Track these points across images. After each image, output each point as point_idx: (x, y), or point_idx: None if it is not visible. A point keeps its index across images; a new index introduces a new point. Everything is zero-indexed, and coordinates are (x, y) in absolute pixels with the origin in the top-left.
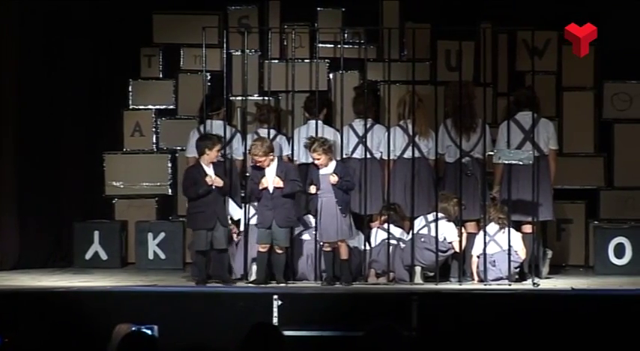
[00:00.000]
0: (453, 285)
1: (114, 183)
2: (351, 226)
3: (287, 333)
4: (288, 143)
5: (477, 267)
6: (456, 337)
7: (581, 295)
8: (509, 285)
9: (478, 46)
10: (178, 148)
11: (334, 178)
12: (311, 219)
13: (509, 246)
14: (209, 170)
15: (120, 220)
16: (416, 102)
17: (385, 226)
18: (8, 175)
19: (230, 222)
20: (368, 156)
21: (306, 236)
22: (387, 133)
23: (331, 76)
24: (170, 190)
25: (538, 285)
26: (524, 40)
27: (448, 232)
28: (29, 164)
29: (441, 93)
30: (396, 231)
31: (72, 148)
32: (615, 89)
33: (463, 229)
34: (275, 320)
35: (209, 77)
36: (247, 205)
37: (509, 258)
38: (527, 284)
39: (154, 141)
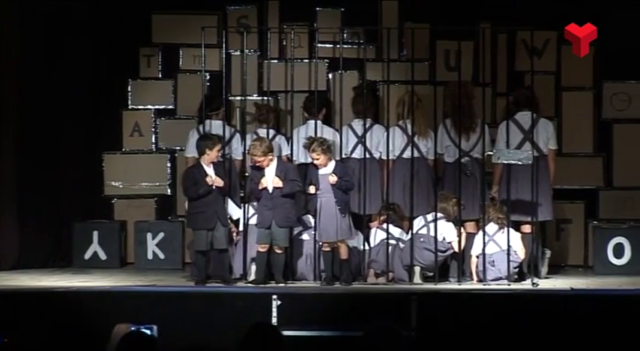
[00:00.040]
0: (452, 285)
1: (113, 183)
2: (350, 226)
3: (286, 333)
4: (288, 143)
5: (476, 267)
6: (455, 337)
7: (580, 295)
8: (509, 285)
9: (477, 46)
10: (177, 148)
11: (333, 178)
12: (310, 219)
13: (509, 246)
14: (209, 170)
15: (119, 220)
16: (415, 102)
17: (384, 226)
18: (8, 175)
19: (229, 222)
20: (367, 156)
21: (305, 236)
22: (386, 133)
23: (330, 76)
24: (169, 190)
25: (537, 285)
26: (523, 40)
27: (447, 232)
28: (29, 164)
29: (440, 93)
30: (395, 231)
31: (71, 148)
32: (614, 89)
33: (462, 229)
34: (274, 320)
35: (208, 77)
36: (246, 205)
37: (508, 258)
38: (526, 284)
39: (153, 141)
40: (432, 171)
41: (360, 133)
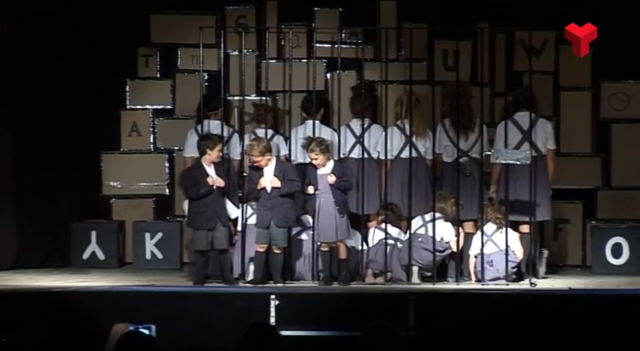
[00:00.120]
0: (450, 285)
1: (111, 183)
2: (348, 226)
3: (284, 333)
4: (286, 143)
5: (475, 267)
6: (453, 337)
7: (578, 295)
8: (507, 285)
9: (475, 46)
10: (176, 148)
11: (332, 179)
12: (309, 219)
13: (507, 246)
14: (210, 170)
15: (117, 220)
16: (413, 102)
17: (383, 225)
18: (6, 174)
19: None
20: (365, 156)
21: (303, 236)
22: (384, 133)
23: (328, 76)
24: (167, 190)
25: (535, 285)
26: (521, 40)
27: (445, 232)
28: (27, 164)
29: (438, 93)
30: (394, 231)
31: (69, 148)
32: (613, 89)
33: (460, 228)
34: (272, 320)
35: (206, 77)
36: (245, 205)
37: (506, 258)
38: (524, 284)
39: (152, 141)
40: (430, 171)
41: (358, 133)
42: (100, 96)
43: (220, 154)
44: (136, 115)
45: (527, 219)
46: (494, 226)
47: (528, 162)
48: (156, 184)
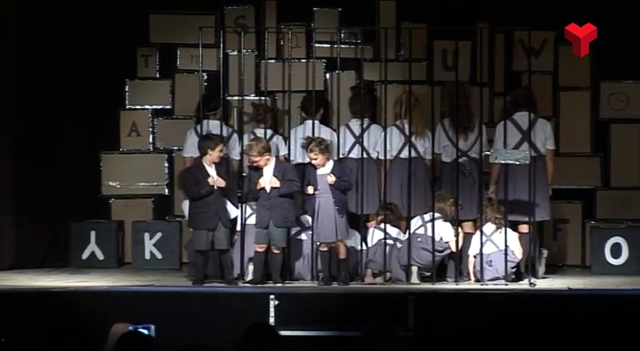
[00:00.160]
0: (449, 285)
1: (110, 183)
2: (347, 226)
3: (283, 333)
4: (285, 143)
5: (474, 267)
6: (452, 337)
7: (577, 295)
8: (506, 285)
9: (475, 46)
10: (175, 148)
11: (332, 179)
12: (308, 219)
13: (506, 246)
14: (211, 170)
15: (116, 220)
16: (412, 102)
17: (382, 225)
18: (5, 174)
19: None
20: (364, 156)
21: (303, 236)
22: (383, 133)
23: (328, 76)
24: (167, 190)
25: (535, 285)
26: (520, 40)
27: (445, 232)
28: (26, 164)
29: (437, 93)
30: (393, 231)
31: (69, 148)
32: (612, 89)
33: (460, 229)
34: (272, 320)
35: (206, 77)
36: (244, 205)
37: (505, 258)
38: (523, 284)
39: (151, 141)
40: (429, 171)
41: (357, 133)
42: (100, 96)
43: (221, 154)
44: (135, 115)
45: (527, 219)
46: (494, 226)
47: (527, 162)
48: (155, 184)
